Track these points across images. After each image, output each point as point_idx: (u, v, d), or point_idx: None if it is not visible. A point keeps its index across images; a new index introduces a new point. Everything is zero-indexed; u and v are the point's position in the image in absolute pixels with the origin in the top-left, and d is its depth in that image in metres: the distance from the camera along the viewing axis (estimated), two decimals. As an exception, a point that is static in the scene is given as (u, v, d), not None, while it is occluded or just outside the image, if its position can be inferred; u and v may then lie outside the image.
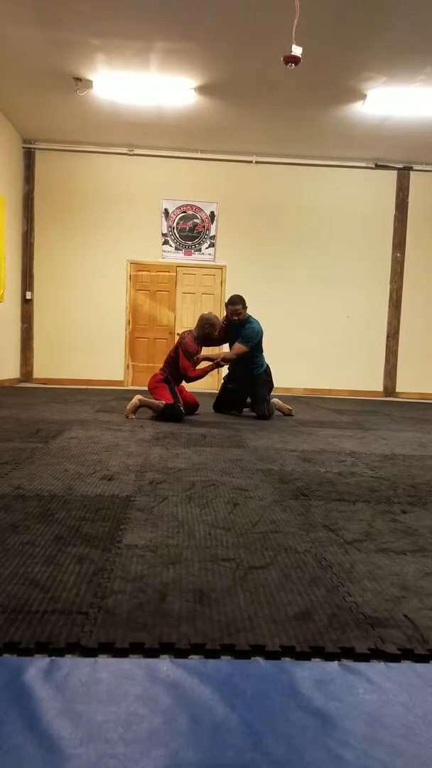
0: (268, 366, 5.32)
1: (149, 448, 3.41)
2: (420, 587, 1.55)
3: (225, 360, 5.07)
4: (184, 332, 5.00)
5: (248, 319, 5.13)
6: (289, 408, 5.48)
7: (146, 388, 5.14)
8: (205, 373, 4.94)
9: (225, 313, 5.24)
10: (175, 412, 4.67)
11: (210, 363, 5.02)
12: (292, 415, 5.42)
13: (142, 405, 4.81)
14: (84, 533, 1.87)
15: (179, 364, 4.85)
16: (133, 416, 4.75)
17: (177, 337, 5.12)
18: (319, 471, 2.98)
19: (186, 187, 8.45)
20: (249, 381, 5.22)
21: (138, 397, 4.85)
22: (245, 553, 1.75)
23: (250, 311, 5.24)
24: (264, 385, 5.21)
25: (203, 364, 5.03)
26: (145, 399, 4.83)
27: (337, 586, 1.53)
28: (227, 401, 5.47)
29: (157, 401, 4.77)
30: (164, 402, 4.71)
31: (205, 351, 5.24)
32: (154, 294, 8.60)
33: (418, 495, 2.56)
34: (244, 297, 5.13)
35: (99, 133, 7.81)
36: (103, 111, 7.02)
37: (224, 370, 5.52)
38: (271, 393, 5.36)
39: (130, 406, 4.80)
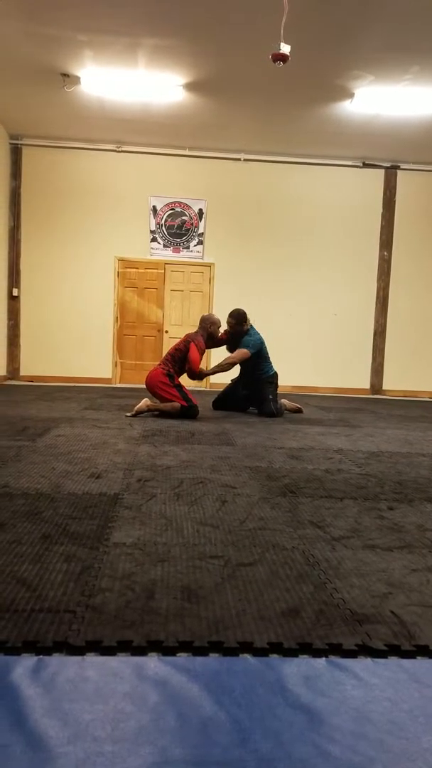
0: (276, 373, 5.49)
1: (137, 446, 3.41)
2: (406, 583, 1.56)
3: (228, 363, 5.20)
4: (191, 333, 5.13)
5: (249, 331, 5.35)
6: (298, 406, 5.58)
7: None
8: (212, 372, 5.12)
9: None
10: (193, 411, 4.80)
11: (216, 367, 5.23)
12: (302, 412, 5.51)
13: (151, 409, 4.81)
14: (71, 531, 1.86)
15: (188, 356, 4.91)
16: (129, 415, 4.74)
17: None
18: (306, 468, 2.99)
19: (174, 184, 8.43)
20: (256, 386, 5.38)
21: (147, 402, 4.81)
22: (233, 550, 1.75)
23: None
24: (269, 385, 5.37)
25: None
26: (155, 404, 4.84)
27: (325, 583, 1.54)
28: (231, 402, 5.53)
29: (168, 405, 4.79)
30: (178, 404, 4.77)
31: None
32: (142, 291, 8.57)
33: (404, 492, 2.58)
34: (244, 312, 5.36)
35: (86, 129, 7.76)
36: (90, 107, 6.98)
37: (232, 373, 5.62)
38: (277, 393, 5.46)
39: (137, 407, 4.77)
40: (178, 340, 5.12)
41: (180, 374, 5.00)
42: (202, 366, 5.21)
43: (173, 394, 4.82)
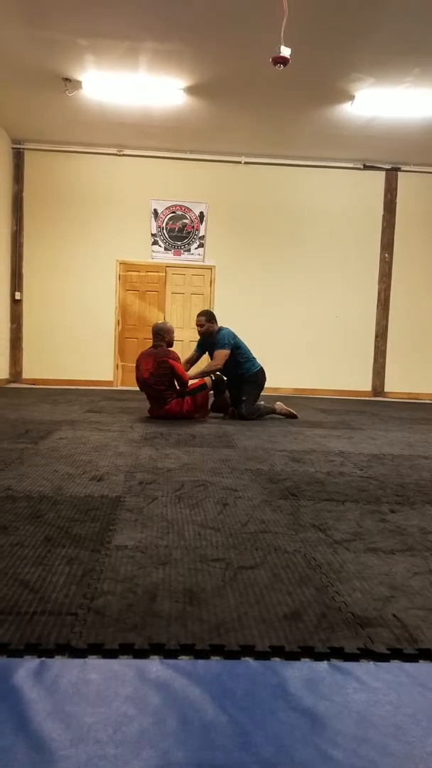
0: (261, 369, 5.26)
1: (138, 449, 3.41)
2: (409, 587, 1.56)
3: (212, 369, 5.07)
4: (156, 353, 4.82)
5: (219, 329, 5.18)
6: (292, 411, 5.30)
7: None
8: (202, 384, 4.97)
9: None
10: (217, 379, 5.05)
11: (200, 379, 5.04)
12: (296, 418, 5.26)
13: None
14: (73, 534, 1.86)
15: (178, 375, 4.73)
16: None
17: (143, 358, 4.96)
18: (308, 471, 2.99)
19: (175, 187, 8.45)
20: (237, 385, 5.17)
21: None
22: (235, 553, 1.75)
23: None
24: (249, 385, 5.13)
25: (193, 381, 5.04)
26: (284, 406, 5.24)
27: (327, 586, 1.53)
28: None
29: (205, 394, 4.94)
30: (206, 386, 4.90)
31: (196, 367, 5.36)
32: (143, 294, 8.59)
33: (406, 494, 2.58)
34: (214, 313, 5.29)
35: (88, 133, 7.79)
36: (92, 111, 7.00)
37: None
38: (260, 395, 5.26)
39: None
40: (143, 372, 4.82)
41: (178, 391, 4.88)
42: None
43: (195, 396, 4.83)
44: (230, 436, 4.09)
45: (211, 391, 5.05)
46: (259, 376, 5.22)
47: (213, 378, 5.02)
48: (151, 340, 4.99)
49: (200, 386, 4.91)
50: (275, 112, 6.89)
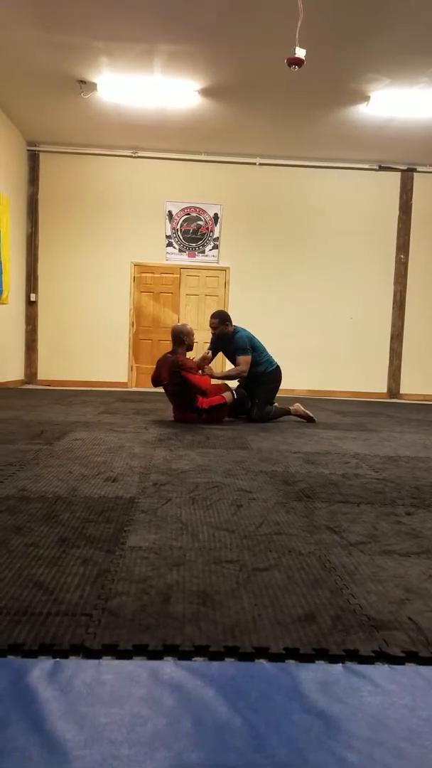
0: (278, 367, 5.17)
1: (153, 450, 3.42)
2: (424, 589, 1.54)
3: (237, 375, 5.03)
4: (173, 359, 4.67)
5: (235, 330, 5.10)
6: (310, 414, 5.08)
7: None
8: (223, 403, 4.83)
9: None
10: (239, 397, 4.95)
11: (221, 397, 4.86)
12: (314, 421, 5.06)
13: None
14: (88, 535, 1.87)
15: (194, 386, 4.58)
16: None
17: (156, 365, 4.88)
18: (323, 473, 2.97)
19: (190, 189, 8.47)
20: (252, 385, 5.08)
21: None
22: (249, 555, 1.75)
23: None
24: (264, 385, 5.04)
25: (215, 382, 4.96)
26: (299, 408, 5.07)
27: (341, 588, 1.52)
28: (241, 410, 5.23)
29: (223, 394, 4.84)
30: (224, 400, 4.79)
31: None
32: (157, 296, 8.62)
33: (422, 497, 2.55)
34: (229, 315, 5.17)
35: (103, 135, 7.83)
36: (107, 113, 7.05)
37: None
38: (273, 396, 5.17)
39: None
40: (164, 380, 4.76)
41: (191, 406, 4.70)
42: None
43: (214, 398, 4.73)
44: (244, 437, 4.09)
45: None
46: (275, 375, 5.14)
47: (236, 396, 4.90)
48: (166, 341, 4.93)
49: (221, 405, 4.75)
50: (290, 113, 6.88)
